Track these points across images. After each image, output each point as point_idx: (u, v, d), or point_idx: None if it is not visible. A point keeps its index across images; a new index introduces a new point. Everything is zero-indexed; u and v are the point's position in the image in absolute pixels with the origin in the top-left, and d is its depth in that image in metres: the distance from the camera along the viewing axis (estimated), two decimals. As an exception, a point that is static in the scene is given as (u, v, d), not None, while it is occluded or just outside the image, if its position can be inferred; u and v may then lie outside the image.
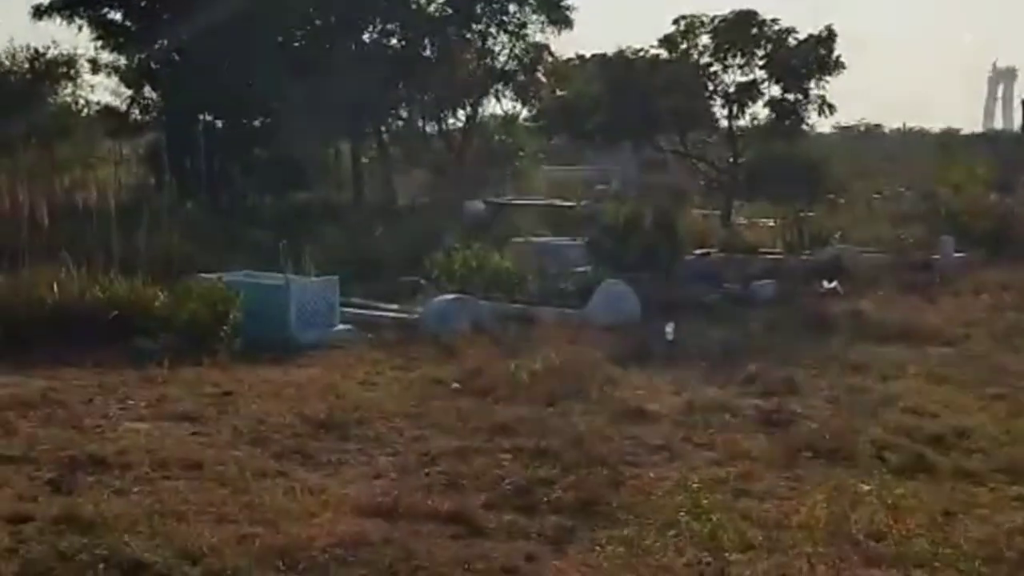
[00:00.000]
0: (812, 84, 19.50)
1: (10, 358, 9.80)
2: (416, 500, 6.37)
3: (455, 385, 9.63)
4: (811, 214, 22.29)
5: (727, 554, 5.49)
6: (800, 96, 19.43)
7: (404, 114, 26.38)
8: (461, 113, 26.43)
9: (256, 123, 19.87)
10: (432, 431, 8.13)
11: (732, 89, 19.79)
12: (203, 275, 11.91)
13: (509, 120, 28.36)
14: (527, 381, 9.55)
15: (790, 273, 15.98)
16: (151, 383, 9.20)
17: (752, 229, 20.36)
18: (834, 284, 15.25)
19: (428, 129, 27.21)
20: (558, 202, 23.98)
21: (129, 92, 23.45)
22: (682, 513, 6.04)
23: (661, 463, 7.36)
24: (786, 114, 19.47)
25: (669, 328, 11.81)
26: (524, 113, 27.71)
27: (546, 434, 7.89)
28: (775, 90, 19.75)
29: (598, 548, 5.78)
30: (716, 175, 23.20)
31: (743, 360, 10.56)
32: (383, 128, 26.06)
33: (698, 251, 16.85)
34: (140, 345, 10.33)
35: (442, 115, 26.55)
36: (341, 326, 12.13)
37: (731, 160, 20.87)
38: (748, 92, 19.51)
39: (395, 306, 13.54)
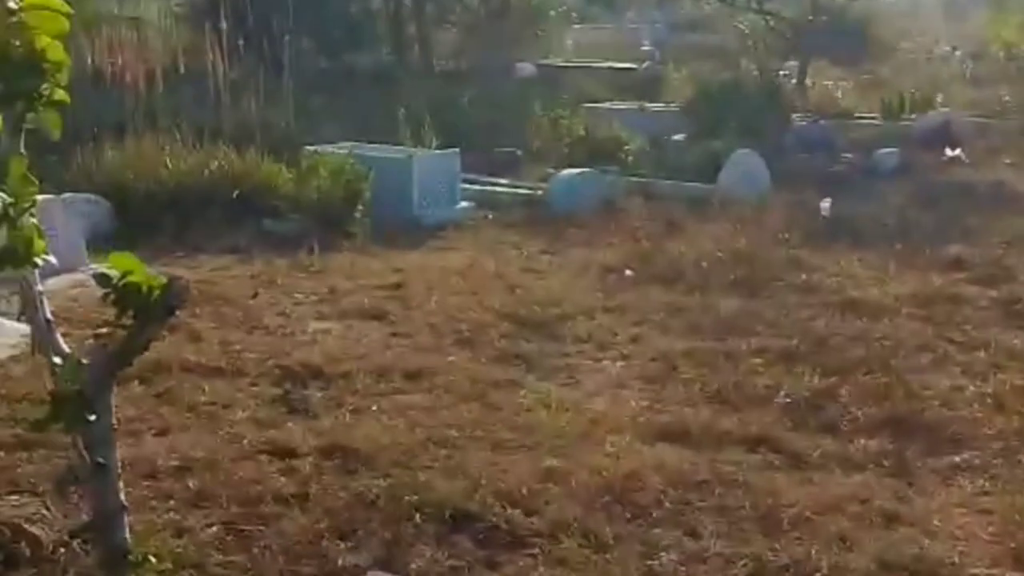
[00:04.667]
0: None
1: (135, 242, 8.77)
2: (703, 420, 5.51)
3: (628, 272, 8.72)
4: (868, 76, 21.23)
5: None
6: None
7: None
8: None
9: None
10: (645, 328, 7.24)
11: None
12: (308, 147, 10.81)
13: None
14: (709, 266, 8.69)
15: (902, 140, 14.89)
16: (306, 272, 8.23)
17: (830, 92, 19.12)
18: (957, 152, 14.20)
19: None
20: (617, 64, 22.67)
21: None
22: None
23: (934, 367, 6.46)
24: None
25: (825, 204, 10.88)
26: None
27: (781, 332, 7.05)
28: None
29: (954, 484, 4.91)
30: (778, 34, 21.94)
31: (922, 239, 9.66)
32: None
33: (807, 117, 15.70)
34: (269, 227, 9.33)
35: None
36: (462, 203, 11.11)
37: (810, 19, 19.55)
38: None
39: (506, 180, 12.50)
